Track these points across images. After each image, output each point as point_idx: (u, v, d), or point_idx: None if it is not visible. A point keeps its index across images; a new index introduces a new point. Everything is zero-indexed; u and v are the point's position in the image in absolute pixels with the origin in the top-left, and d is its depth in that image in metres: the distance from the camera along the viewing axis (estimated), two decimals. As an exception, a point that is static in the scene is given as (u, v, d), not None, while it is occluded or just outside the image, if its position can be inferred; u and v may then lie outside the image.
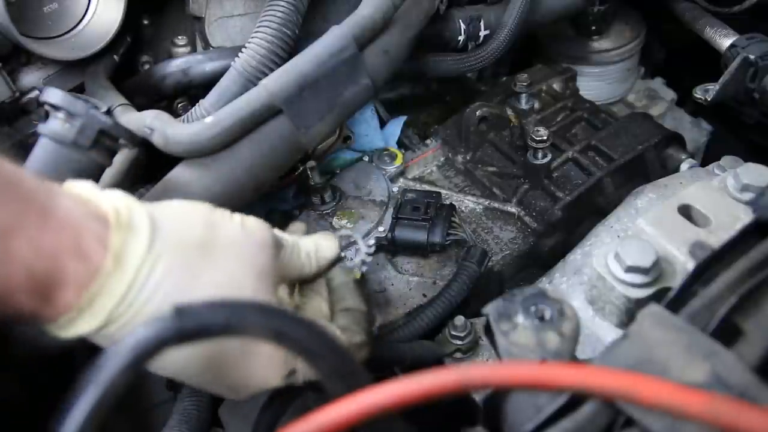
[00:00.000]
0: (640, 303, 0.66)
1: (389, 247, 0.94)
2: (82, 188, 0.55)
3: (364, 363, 0.64)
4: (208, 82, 0.87)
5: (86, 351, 0.53)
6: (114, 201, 0.54)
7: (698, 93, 1.04)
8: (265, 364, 0.58)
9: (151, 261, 0.52)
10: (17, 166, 0.50)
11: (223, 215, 0.60)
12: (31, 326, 0.52)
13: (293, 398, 0.67)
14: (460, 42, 1.08)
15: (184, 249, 0.54)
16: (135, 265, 0.51)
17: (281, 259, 0.63)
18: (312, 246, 0.68)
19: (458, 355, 0.81)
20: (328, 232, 0.72)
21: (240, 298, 0.54)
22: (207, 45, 1.01)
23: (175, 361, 0.55)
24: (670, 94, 1.43)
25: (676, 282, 0.64)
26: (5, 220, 0.47)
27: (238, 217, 0.61)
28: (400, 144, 1.13)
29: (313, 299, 0.69)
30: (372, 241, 0.78)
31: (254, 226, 0.61)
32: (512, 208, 0.99)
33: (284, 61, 0.81)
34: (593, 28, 1.34)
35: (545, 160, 0.99)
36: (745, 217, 0.67)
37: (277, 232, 0.65)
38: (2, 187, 0.47)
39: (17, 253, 0.47)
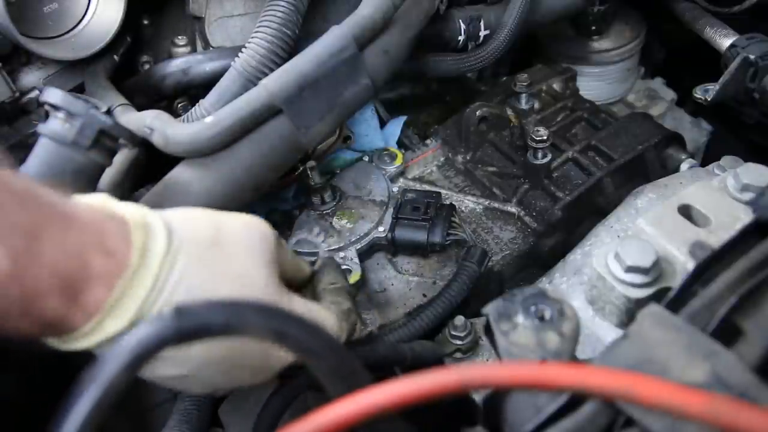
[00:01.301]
0: (640, 303, 0.66)
1: (389, 247, 0.94)
2: (95, 197, 0.57)
3: (364, 363, 0.64)
4: (208, 82, 0.87)
5: (86, 351, 0.53)
6: (127, 206, 0.56)
7: (698, 93, 1.04)
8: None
9: (171, 257, 0.54)
10: (32, 180, 0.52)
11: (225, 214, 0.63)
12: (47, 341, 0.53)
13: (293, 398, 0.67)
14: (460, 42, 1.08)
15: (197, 246, 0.57)
16: (158, 260, 0.53)
17: (281, 254, 0.66)
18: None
19: (458, 355, 0.81)
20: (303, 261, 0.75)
21: (248, 292, 0.58)
22: (207, 45, 1.01)
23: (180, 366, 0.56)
24: (670, 94, 1.43)
25: (676, 282, 0.64)
26: (30, 223, 0.48)
27: (237, 214, 0.64)
28: (400, 144, 1.13)
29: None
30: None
31: (255, 221, 0.64)
32: (512, 208, 0.99)
33: (284, 61, 0.81)
34: (593, 28, 1.34)
35: (545, 160, 0.98)
36: (745, 217, 0.67)
37: None
38: (22, 195, 0.49)
39: (45, 254, 0.48)
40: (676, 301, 0.49)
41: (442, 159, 1.09)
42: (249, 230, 0.62)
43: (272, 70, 0.80)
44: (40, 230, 0.48)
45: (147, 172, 0.85)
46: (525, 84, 1.14)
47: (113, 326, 0.51)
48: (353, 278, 0.87)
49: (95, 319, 0.50)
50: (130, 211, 0.55)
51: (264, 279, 0.60)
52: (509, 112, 1.09)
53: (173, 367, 0.56)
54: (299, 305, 0.64)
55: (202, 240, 0.57)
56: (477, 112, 1.06)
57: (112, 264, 0.51)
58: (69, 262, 0.49)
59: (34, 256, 0.47)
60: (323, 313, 0.66)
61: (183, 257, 0.55)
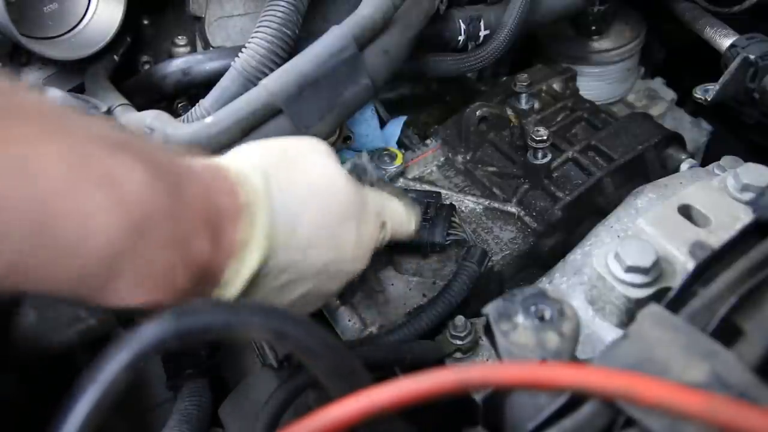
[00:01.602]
0: (640, 303, 0.66)
1: (389, 247, 0.94)
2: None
3: (364, 363, 0.64)
4: (208, 82, 0.87)
5: (86, 351, 0.53)
6: (208, 156, 0.60)
7: (698, 93, 1.04)
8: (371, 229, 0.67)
9: (269, 185, 0.57)
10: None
11: (280, 138, 0.67)
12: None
13: (294, 397, 0.67)
14: (460, 42, 1.08)
15: (280, 169, 0.59)
16: (262, 191, 0.56)
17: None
18: None
19: (458, 355, 0.81)
20: None
21: (335, 195, 0.62)
22: (207, 45, 1.01)
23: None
24: (670, 94, 1.43)
25: (676, 282, 0.64)
26: (173, 167, 0.49)
27: (290, 137, 0.69)
28: (400, 144, 1.13)
29: None
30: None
31: (307, 137, 0.68)
32: (512, 208, 0.99)
33: (284, 61, 0.81)
34: (593, 28, 1.34)
35: (545, 160, 0.98)
36: (745, 217, 0.67)
37: None
38: (149, 142, 0.51)
39: (186, 194, 0.49)
40: (676, 301, 0.49)
41: (442, 159, 1.09)
42: (310, 143, 0.66)
43: (272, 70, 0.80)
44: (183, 175, 0.50)
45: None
46: (525, 84, 1.14)
47: (252, 261, 0.53)
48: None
49: (237, 258, 0.53)
50: (216, 158, 0.59)
51: (342, 178, 0.63)
52: (509, 112, 1.09)
53: (300, 286, 0.61)
54: (376, 196, 0.70)
55: (281, 161, 0.60)
56: (477, 112, 1.06)
57: (232, 203, 0.53)
58: (205, 203, 0.50)
59: (181, 196, 0.48)
60: (396, 203, 0.73)
61: (274, 183, 0.57)
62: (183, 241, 0.48)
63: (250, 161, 0.59)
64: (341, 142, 1.07)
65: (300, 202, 0.59)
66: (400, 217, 0.74)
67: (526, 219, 0.98)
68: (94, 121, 0.48)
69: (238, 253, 0.53)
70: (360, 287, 0.89)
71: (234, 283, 0.53)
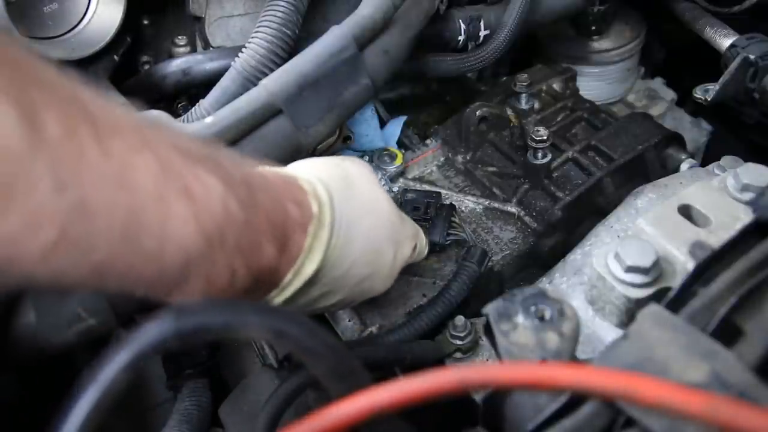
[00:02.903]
0: (640, 303, 0.66)
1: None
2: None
3: (364, 363, 0.64)
4: (208, 82, 0.87)
5: (86, 351, 0.53)
6: (276, 167, 0.62)
7: (698, 93, 1.04)
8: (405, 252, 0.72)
9: (332, 201, 0.60)
10: None
11: (334, 157, 0.70)
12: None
13: (294, 398, 0.67)
14: (460, 42, 1.08)
15: (338, 188, 0.62)
16: (328, 205, 0.59)
17: None
18: None
19: (458, 355, 0.81)
20: None
21: (382, 216, 0.66)
22: (207, 45, 1.01)
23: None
24: (670, 94, 1.43)
25: (676, 282, 0.64)
26: (242, 175, 0.51)
27: (342, 156, 0.74)
28: (400, 144, 1.13)
29: None
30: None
31: (356, 159, 0.72)
32: (512, 208, 0.99)
33: (284, 61, 0.81)
34: (593, 28, 1.34)
35: (545, 160, 0.98)
36: (745, 217, 0.67)
37: None
38: (222, 157, 0.51)
39: (259, 203, 0.51)
40: (676, 301, 0.49)
41: (442, 159, 1.09)
42: (359, 164, 0.69)
43: (272, 70, 0.80)
44: (255, 182, 0.52)
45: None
46: (525, 84, 1.14)
47: (310, 268, 0.56)
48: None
49: (297, 264, 0.55)
50: (285, 169, 0.62)
51: (388, 201, 0.68)
52: (509, 112, 1.09)
53: (335, 296, 0.63)
54: (411, 222, 0.75)
55: (339, 182, 0.63)
56: (477, 112, 1.06)
57: (301, 212, 0.55)
58: (276, 210, 0.53)
59: (253, 206, 0.50)
60: (421, 232, 0.78)
61: (336, 200, 0.60)
62: (253, 248, 0.51)
63: (314, 174, 0.61)
64: (341, 142, 1.07)
65: (354, 219, 0.62)
66: (423, 242, 0.78)
67: (526, 219, 0.98)
68: (174, 133, 0.51)
69: (300, 257, 0.56)
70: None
71: (290, 287, 0.56)
